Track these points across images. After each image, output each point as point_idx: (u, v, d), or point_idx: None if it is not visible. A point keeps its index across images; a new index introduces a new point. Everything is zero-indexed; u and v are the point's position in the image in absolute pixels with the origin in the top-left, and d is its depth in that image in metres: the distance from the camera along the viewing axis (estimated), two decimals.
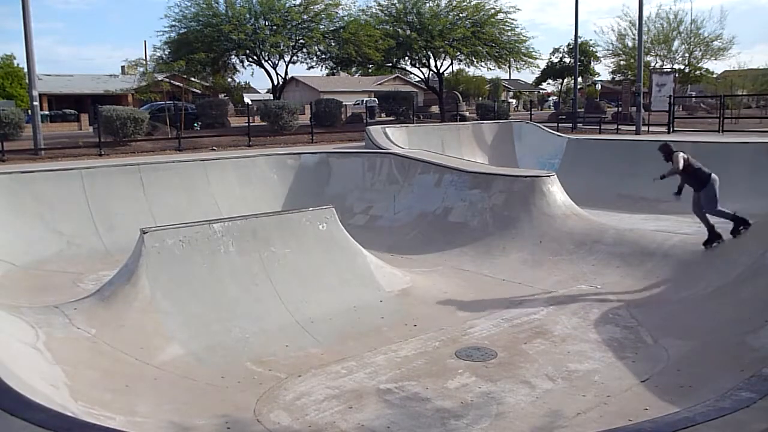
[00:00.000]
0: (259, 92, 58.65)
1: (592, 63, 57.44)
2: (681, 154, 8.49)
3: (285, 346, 6.31)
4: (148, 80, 27.58)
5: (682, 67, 41.06)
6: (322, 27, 29.03)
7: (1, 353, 4.56)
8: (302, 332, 6.63)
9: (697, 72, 42.06)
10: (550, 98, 71.25)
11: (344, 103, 34.35)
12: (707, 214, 8.39)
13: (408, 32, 31.61)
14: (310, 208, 8.14)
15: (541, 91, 74.92)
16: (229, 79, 36.38)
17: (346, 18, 30.12)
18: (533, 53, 34.50)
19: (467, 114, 34.46)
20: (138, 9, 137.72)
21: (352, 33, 28.69)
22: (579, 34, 54.34)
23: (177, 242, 6.79)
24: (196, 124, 28.82)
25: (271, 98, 31.08)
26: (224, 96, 39.29)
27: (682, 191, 8.66)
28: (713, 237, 8.36)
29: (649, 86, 27.32)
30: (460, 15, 31.92)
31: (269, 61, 29.92)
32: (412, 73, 41.59)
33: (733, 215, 8.27)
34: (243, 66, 31.52)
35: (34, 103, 19.81)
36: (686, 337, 6.30)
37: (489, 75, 65.95)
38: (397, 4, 32.12)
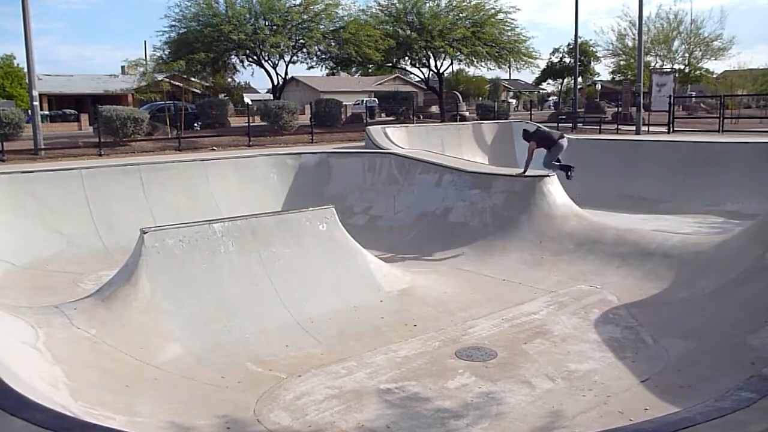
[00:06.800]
0: (259, 92, 58.64)
1: (592, 63, 57.40)
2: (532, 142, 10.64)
3: (285, 346, 6.31)
4: (148, 80, 27.57)
5: (682, 67, 41.08)
6: (322, 27, 29.01)
7: (1, 353, 4.56)
8: (302, 332, 6.63)
9: (697, 72, 42.09)
10: (550, 98, 71.25)
11: (344, 103, 34.33)
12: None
13: (408, 32, 31.60)
14: (310, 208, 8.13)
15: (541, 91, 74.90)
16: (229, 79, 36.36)
17: (346, 18, 30.14)
18: (533, 53, 34.51)
19: (467, 114, 34.44)
20: (138, 9, 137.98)
21: (352, 33, 28.69)
22: (579, 34, 54.33)
23: (177, 242, 6.78)
24: (196, 124, 28.82)
25: (271, 98, 31.07)
26: (224, 96, 39.27)
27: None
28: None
29: (649, 86, 27.32)
30: (460, 15, 31.91)
31: (269, 61, 29.91)
32: (412, 73, 41.60)
33: (560, 165, 10.55)
34: (243, 66, 31.53)
35: (34, 103, 19.81)
36: (686, 337, 6.30)
37: (489, 75, 65.98)
38: (397, 4, 32.10)
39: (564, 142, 10.59)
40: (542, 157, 10.75)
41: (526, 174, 10.86)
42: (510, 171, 11.40)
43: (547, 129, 11.20)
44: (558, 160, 10.62)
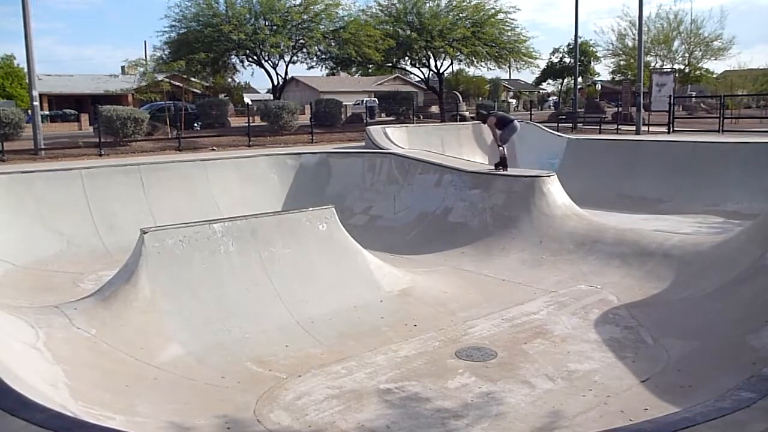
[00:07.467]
0: (259, 92, 58.70)
1: (592, 63, 57.47)
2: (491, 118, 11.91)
3: (285, 346, 6.31)
4: (148, 80, 27.60)
5: (682, 67, 41.13)
6: (322, 27, 29.04)
7: (2, 353, 4.57)
8: (302, 332, 6.63)
9: (697, 72, 42.14)
10: (550, 98, 71.27)
11: (344, 103, 34.36)
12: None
13: (408, 32, 31.61)
14: (310, 208, 8.13)
15: (541, 91, 74.92)
16: (229, 79, 36.42)
17: (346, 18, 30.17)
18: (533, 53, 34.56)
19: (467, 114, 34.45)
20: (138, 9, 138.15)
21: (352, 33, 28.71)
22: (579, 34, 54.40)
23: (177, 242, 6.78)
24: (196, 124, 28.84)
25: (271, 98, 31.09)
26: (224, 96, 39.31)
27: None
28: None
29: (649, 86, 27.33)
30: (460, 15, 31.93)
31: (269, 61, 29.94)
32: (412, 73, 41.65)
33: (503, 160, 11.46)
34: (243, 66, 31.59)
35: (34, 103, 19.84)
36: (686, 337, 6.30)
37: (489, 75, 66.01)
38: (397, 4, 32.13)
39: (517, 123, 12.04)
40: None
41: (526, 174, 10.87)
42: (510, 171, 11.40)
43: (501, 112, 13.19)
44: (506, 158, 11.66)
